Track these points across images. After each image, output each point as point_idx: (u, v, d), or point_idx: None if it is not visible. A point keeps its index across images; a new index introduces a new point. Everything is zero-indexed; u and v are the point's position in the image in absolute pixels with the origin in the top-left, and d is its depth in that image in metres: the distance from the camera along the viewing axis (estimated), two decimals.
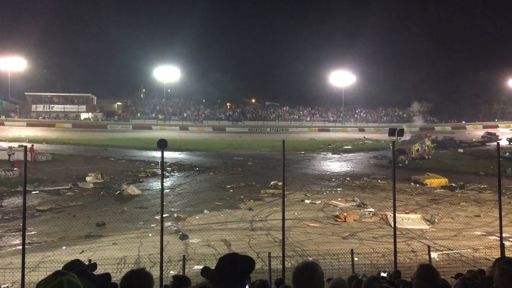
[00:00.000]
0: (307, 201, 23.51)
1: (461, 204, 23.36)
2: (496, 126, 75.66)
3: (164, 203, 12.49)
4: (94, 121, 79.57)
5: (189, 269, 12.18)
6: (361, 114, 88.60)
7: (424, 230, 18.17)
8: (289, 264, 13.20)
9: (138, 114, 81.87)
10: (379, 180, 30.54)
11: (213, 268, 3.17)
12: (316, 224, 19.22)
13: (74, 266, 3.52)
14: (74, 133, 62.93)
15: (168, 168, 33.74)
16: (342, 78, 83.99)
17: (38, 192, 24.91)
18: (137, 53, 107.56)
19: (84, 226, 18.20)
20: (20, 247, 9.05)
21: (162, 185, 9.93)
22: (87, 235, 17.08)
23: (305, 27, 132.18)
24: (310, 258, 14.08)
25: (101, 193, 25.35)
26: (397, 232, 12.60)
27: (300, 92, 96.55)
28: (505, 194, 25.00)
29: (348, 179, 31.32)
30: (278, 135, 70.52)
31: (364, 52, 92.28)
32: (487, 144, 53.45)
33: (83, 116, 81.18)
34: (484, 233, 17.68)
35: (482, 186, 28.00)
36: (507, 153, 41.66)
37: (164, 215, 11.78)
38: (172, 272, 12.53)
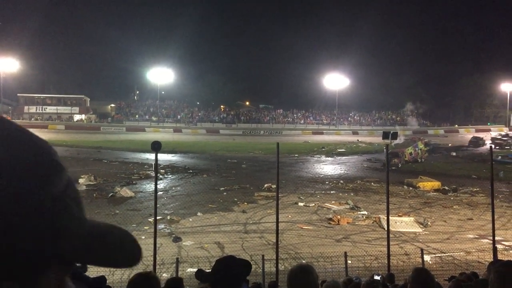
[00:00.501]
0: (301, 204, 23.52)
1: (454, 207, 23.46)
2: (489, 130, 76.12)
3: (158, 206, 12.45)
4: (87, 122, 79.29)
5: (182, 272, 12.13)
6: (355, 117, 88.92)
7: (417, 233, 18.23)
8: (283, 266, 13.19)
9: (136, 116, 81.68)
10: (372, 183, 30.61)
11: (207, 270, 3.15)
12: (310, 226, 19.23)
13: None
14: (67, 135, 62.61)
15: (161, 170, 33.63)
16: (336, 81, 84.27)
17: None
18: (131, 55, 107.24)
19: None
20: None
21: (155, 187, 9.90)
22: None
23: (299, 30, 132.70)
24: (303, 261, 14.09)
25: (94, 195, 25.21)
26: (390, 235, 12.63)
27: (294, 95, 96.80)
28: (498, 197, 25.11)
29: (342, 182, 31.37)
30: (272, 137, 70.54)
31: (358, 56, 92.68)
32: (470, 149, 53.36)
33: (76, 117, 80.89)
34: (476, 236, 17.76)
35: (475, 189, 28.14)
36: (499, 157, 41.92)
37: (157, 218, 11.75)
38: (165, 275, 12.47)
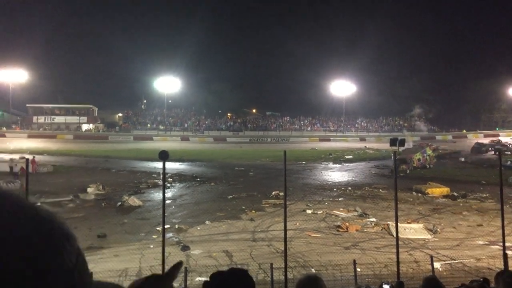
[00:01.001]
0: (309, 211, 23.44)
1: (463, 213, 23.27)
2: (497, 135, 75.61)
3: (166, 214, 12.47)
4: (95, 132, 79.71)
5: (191, 281, 12.13)
6: (362, 123, 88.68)
7: (427, 240, 18.10)
8: (292, 275, 13.14)
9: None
10: (380, 190, 30.47)
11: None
12: (318, 234, 19.15)
13: None
14: (75, 145, 63.00)
15: (169, 179, 33.70)
16: (342, 87, 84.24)
17: (39, 204, 24.84)
18: (138, 64, 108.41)
19: (86, 238, 18.14)
20: None
21: (163, 196, 9.93)
22: (88, 247, 17.01)
23: (305, 37, 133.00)
24: (312, 269, 14.03)
25: (103, 204, 25.31)
26: (400, 242, 12.56)
27: (300, 101, 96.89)
28: (507, 203, 24.88)
29: (350, 188, 31.25)
30: (279, 145, 70.51)
31: (365, 62, 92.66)
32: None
33: (84, 127, 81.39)
34: (486, 243, 17.59)
35: (484, 195, 27.91)
36: (509, 162, 41.56)
37: (165, 226, 11.76)
38: (174, 285, 12.45)
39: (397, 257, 10.28)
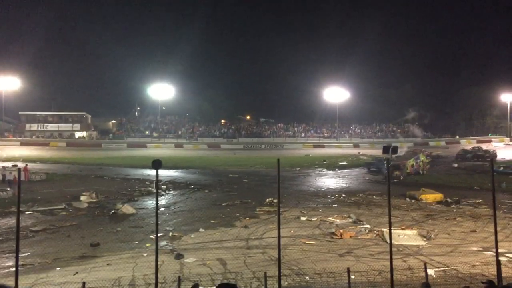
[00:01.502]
0: (303, 218, 23.40)
1: (457, 219, 23.31)
2: (490, 141, 76.13)
3: (159, 222, 12.41)
4: (89, 139, 79.50)
5: None
6: (356, 130, 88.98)
7: (421, 246, 18.10)
8: (286, 283, 13.10)
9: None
10: (374, 196, 30.51)
11: None
12: (312, 241, 19.11)
13: None
14: (68, 152, 62.73)
15: (163, 187, 33.61)
16: (336, 94, 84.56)
17: (31, 212, 24.70)
18: (131, 72, 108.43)
19: (78, 247, 18.01)
20: (13, 269, 8.96)
21: (157, 205, 9.88)
22: (81, 256, 16.89)
23: (299, 44, 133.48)
24: (306, 277, 13.98)
25: (96, 212, 25.15)
26: (393, 249, 12.56)
27: (294, 108, 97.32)
28: (500, 209, 25.04)
29: (344, 195, 31.28)
30: (273, 151, 70.61)
31: (358, 69, 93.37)
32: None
33: (78, 134, 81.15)
34: (480, 249, 17.62)
35: (478, 201, 28.01)
36: (501, 168, 41.81)
37: (159, 234, 11.71)
38: None
39: (391, 264, 10.26)
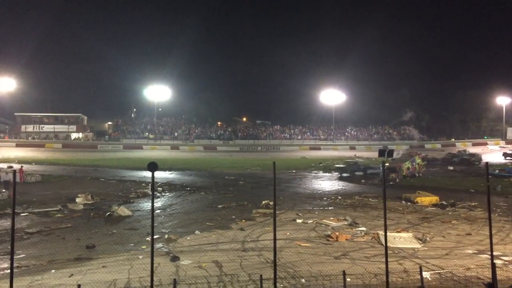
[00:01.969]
0: (299, 221, 23.39)
1: (452, 222, 23.37)
2: (485, 144, 76.44)
3: (155, 224, 12.40)
4: (85, 141, 79.31)
5: None
6: (352, 132, 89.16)
7: (416, 249, 18.12)
8: (281, 285, 13.09)
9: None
10: (370, 199, 30.55)
11: None
12: (308, 244, 19.11)
13: None
14: (64, 154, 62.57)
15: (159, 188, 33.57)
16: (332, 96, 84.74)
17: (27, 214, 24.60)
18: (127, 73, 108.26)
19: (74, 249, 17.94)
20: (8, 271, 8.93)
21: (152, 207, 9.87)
22: (76, 258, 16.83)
23: (295, 46, 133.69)
24: (302, 280, 13.99)
25: (91, 214, 25.07)
26: (389, 251, 12.58)
27: (291, 110, 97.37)
28: (496, 211, 25.13)
29: (340, 197, 31.32)
30: (269, 153, 70.63)
31: (354, 71, 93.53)
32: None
33: (74, 136, 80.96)
34: (475, 252, 17.67)
35: (473, 204, 28.10)
36: (497, 170, 41.99)
37: (154, 237, 11.69)
38: None
39: (386, 267, 10.29)
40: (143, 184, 36.02)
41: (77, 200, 28.27)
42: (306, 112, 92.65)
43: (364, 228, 21.67)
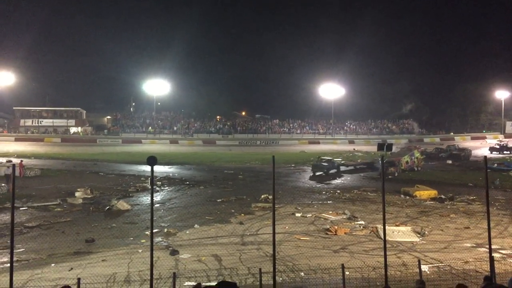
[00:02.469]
0: (298, 215, 23.46)
1: (451, 216, 23.45)
2: (484, 137, 76.50)
3: (154, 218, 12.42)
4: (84, 135, 79.21)
5: (179, 286, 12.07)
6: (351, 126, 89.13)
7: (415, 243, 18.20)
8: (280, 279, 13.16)
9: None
10: (369, 193, 30.62)
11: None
12: (307, 237, 19.18)
13: None
14: (63, 148, 62.54)
15: (158, 183, 33.60)
16: (331, 90, 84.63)
17: (26, 208, 24.64)
18: (126, 67, 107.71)
19: (73, 243, 17.99)
20: (8, 265, 8.95)
21: (152, 201, 9.88)
22: (76, 252, 16.88)
23: (294, 40, 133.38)
24: (301, 273, 14.04)
25: (91, 208, 25.12)
26: (388, 245, 12.62)
27: (290, 104, 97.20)
28: (494, 205, 25.20)
29: (339, 191, 31.38)
30: (269, 148, 70.65)
31: (353, 65, 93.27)
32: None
33: (73, 130, 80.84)
34: (474, 245, 17.75)
35: (471, 197, 28.18)
36: (495, 164, 42.08)
37: (154, 231, 11.71)
38: None
39: (385, 261, 10.32)
40: (142, 178, 36.04)
41: (77, 194, 28.29)
42: (305, 106, 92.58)
43: (362, 222, 21.74)
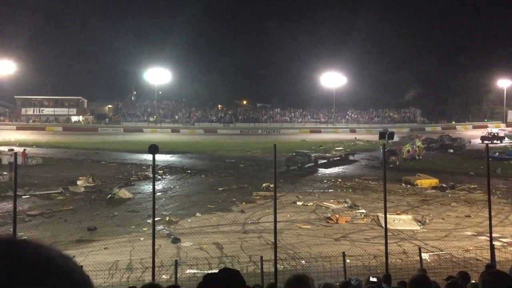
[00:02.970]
0: (299, 203, 23.54)
1: (452, 204, 23.51)
2: (486, 126, 76.30)
3: (156, 207, 12.46)
4: (85, 124, 79.17)
5: (181, 273, 12.16)
6: (352, 115, 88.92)
7: (415, 231, 18.28)
8: (282, 267, 13.23)
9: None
10: (370, 181, 30.65)
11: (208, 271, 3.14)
12: (308, 226, 19.26)
13: None
14: (64, 137, 62.57)
15: (159, 171, 33.65)
16: (333, 79, 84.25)
17: (28, 196, 24.73)
18: (127, 55, 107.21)
19: (75, 231, 18.09)
20: None
21: (153, 190, 9.92)
22: (78, 240, 16.99)
23: (295, 28, 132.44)
24: (302, 261, 14.13)
25: (93, 197, 25.22)
26: (388, 233, 12.68)
27: (291, 93, 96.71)
28: (495, 194, 25.22)
29: (340, 180, 31.42)
30: (270, 136, 70.60)
31: (355, 54, 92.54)
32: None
33: (74, 119, 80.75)
34: (474, 233, 17.82)
35: (472, 186, 28.22)
36: (497, 153, 42.02)
37: (156, 219, 11.76)
38: (164, 277, 12.50)
39: (386, 249, 10.38)
40: (143, 167, 36.10)
41: (78, 182, 28.38)
42: (307, 95, 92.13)
43: (364, 210, 21.81)
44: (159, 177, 31.67)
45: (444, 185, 28.25)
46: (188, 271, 13.04)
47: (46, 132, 67.77)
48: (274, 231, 9.97)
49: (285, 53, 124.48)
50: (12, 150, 39.83)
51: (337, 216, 20.39)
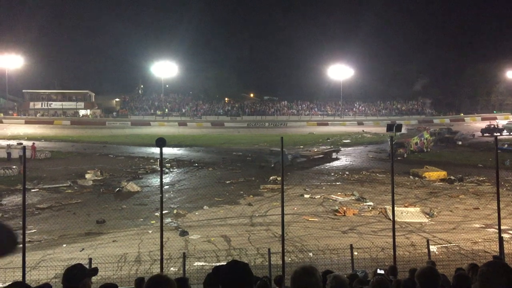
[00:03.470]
0: (307, 196, 23.54)
1: (460, 196, 23.39)
2: (495, 118, 75.69)
3: (164, 200, 12.52)
4: (93, 117, 79.50)
5: (189, 266, 12.21)
6: (360, 107, 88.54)
7: (423, 224, 18.22)
8: (289, 259, 13.25)
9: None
10: (378, 174, 30.55)
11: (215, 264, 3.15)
12: (316, 218, 19.26)
13: (76, 269, 3.56)
14: (72, 130, 62.88)
15: (167, 164, 33.76)
16: (340, 71, 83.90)
17: (37, 190, 24.93)
18: (135, 49, 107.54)
19: (84, 224, 18.23)
20: (20, 245, 9.08)
21: (161, 183, 9.95)
22: (87, 233, 17.12)
23: (303, 21, 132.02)
24: (310, 254, 14.14)
25: (101, 190, 25.38)
26: (396, 226, 12.64)
27: (298, 86, 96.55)
28: (504, 186, 25.05)
29: (347, 173, 31.35)
30: (277, 129, 70.52)
31: (362, 46, 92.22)
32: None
33: (82, 113, 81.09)
34: (483, 226, 17.73)
35: (481, 178, 28.04)
36: (506, 145, 41.68)
37: (163, 212, 11.80)
38: (172, 269, 12.58)
39: (394, 241, 10.35)
40: (151, 160, 36.23)
41: (87, 176, 28.55)
42: (314, 88, 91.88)
43: (371, 203, 21.77)
44: (166, 170, 31.78)
45: (452, 177, 28.11)
46: (196, 263, 13.10)
47: (54, 125, 68.11)
48: (282, 224, 9.96)
49: (293, 46, 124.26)
50: (21, 144, 40.12)
51: (344, 208, 20.38)
